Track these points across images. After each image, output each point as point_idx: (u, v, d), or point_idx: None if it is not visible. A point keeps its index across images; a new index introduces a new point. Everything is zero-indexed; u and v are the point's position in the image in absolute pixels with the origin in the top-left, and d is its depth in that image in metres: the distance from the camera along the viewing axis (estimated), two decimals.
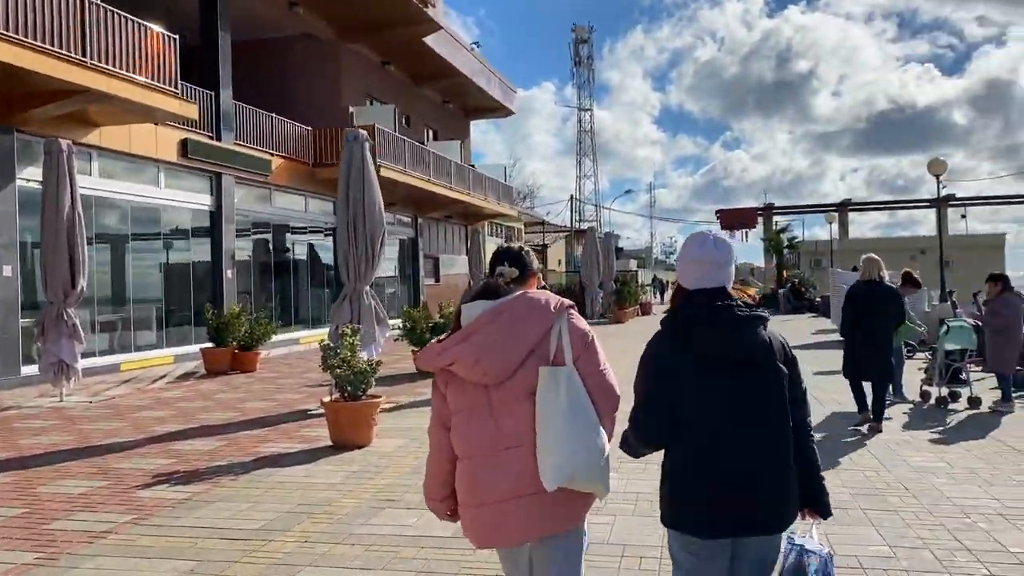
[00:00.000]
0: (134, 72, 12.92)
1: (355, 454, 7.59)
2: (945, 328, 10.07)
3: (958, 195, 59.17)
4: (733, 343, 2.53)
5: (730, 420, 2.52)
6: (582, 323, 2.78)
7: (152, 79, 13.30)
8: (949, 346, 9.98)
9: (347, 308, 10.06)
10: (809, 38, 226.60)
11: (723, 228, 66.80)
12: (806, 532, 2.81)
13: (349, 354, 7.84)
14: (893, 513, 5.47)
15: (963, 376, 10.00)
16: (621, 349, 9.96)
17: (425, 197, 27.32)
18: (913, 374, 12.06)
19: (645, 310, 34.87)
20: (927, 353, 11.04)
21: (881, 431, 8.34)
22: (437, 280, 31.51)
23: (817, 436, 7.65)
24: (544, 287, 10.93)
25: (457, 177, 29.06)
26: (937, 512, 5.50)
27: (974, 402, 9.75)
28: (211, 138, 17.93)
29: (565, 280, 40.77)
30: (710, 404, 2.53)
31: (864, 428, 8.44)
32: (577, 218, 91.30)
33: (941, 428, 8.57)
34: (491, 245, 37.37)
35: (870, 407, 8.46)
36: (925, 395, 10.30)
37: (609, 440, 2.76)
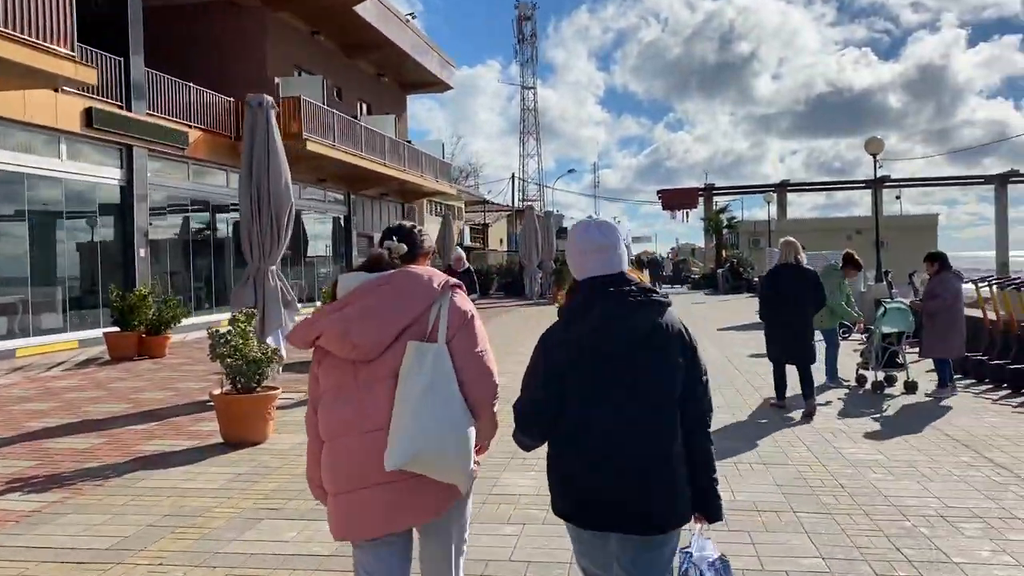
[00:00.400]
0: (23, 32, 11.77)
1: (247, 453, 6.85)
2: (882, 310, 9.71)
3: (893, 176, 60.17)
4: (624, 330, 2.41)
5: (617, 411, 2.41)
6: (466, 303, 2.67)
7: (42, 39, 12.16)
8: (886, 329, 9.62)
9: (250, 290, 9.26)
10: (751, 20, 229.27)
11: (664, 208, 67.05)
12: (701, 539, 2.63)
13: (241, 341, 7.08)
14: (827, 516, 4.98)
15: (900, 360, 9.65)
16: None
17: (357, 173, 26.36)
18: (849, 356, 11.76)
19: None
20: (863, 336, 10.70)
21: (815, 412, 8.07)
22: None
23: (749, 425, 7.14)
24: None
25: (391, 153, 28.12)
26: (875, 514, 5.02)
27: (910, 387, 9.42)
28: (120, 107, 16.74)
29: (505, 260, 40.10)
30: (598, 394, 2.42)
31: (797, 416, 8.04)
32: (520, 197, 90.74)
33: (878, 415, 8.18)
34: (431, 224, 36.59)
35: (801, 391, 8.23)
36: (861, 379, 9.95)
37: (492, 432, 2.68)
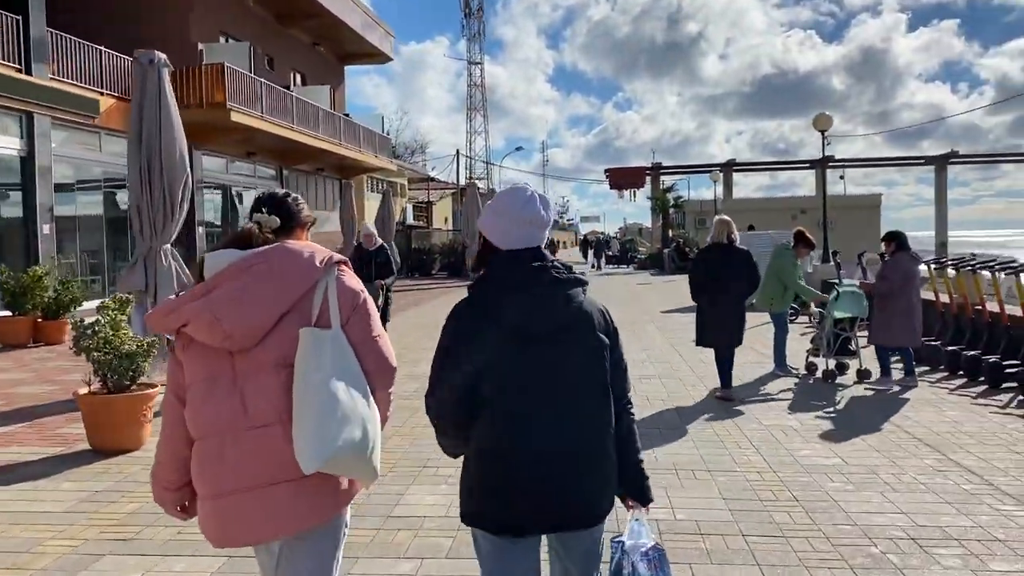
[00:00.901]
0: None
1: (115, 463, 5.88)
2: (835, 294, 9.06)
3: (837, 157, 60.59)
4: (547, 310, 2.24)
5: (541, 398, 2.23)
6: (354, 282, 2.41)
7: None
8: (838, 313, 8.99)
9: (140, 273, 8.22)
10: (699, 0, 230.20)
11: (612, 187, 66.63)
12: (637, 524, 2.39)
13: (111, 332, 6.08)
14: (782, 541, 4.24)
15: (852, 347, 9.04)
16: None
17: (290, 147, 25.12)
18: (797, 342, 11.17)
19: None
20: (814, 320, 10.08)
21: (731, 399, 7.83)
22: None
23: (693, 421, 6.37)
24: (383, 247, 8.79)
25: (326, 126, 26.87)
26: (837, 537, 4.30)
27: (863, 375, 8.82)
28: (19, 70, 15.33)
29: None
30: (518, 380, 2.23)
31: (744, 409, 7.36)
32: (467, 175, 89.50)
33: (831, 409, 7.53)
34: (370, 202, 35.40)
35: (718, 371, 8.08)
36: (811, 367, 9.33)
37: (384, 421, 2.41)
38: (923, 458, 5.79)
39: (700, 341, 8.20)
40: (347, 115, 31.96)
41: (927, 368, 9.60)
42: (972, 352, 9.16)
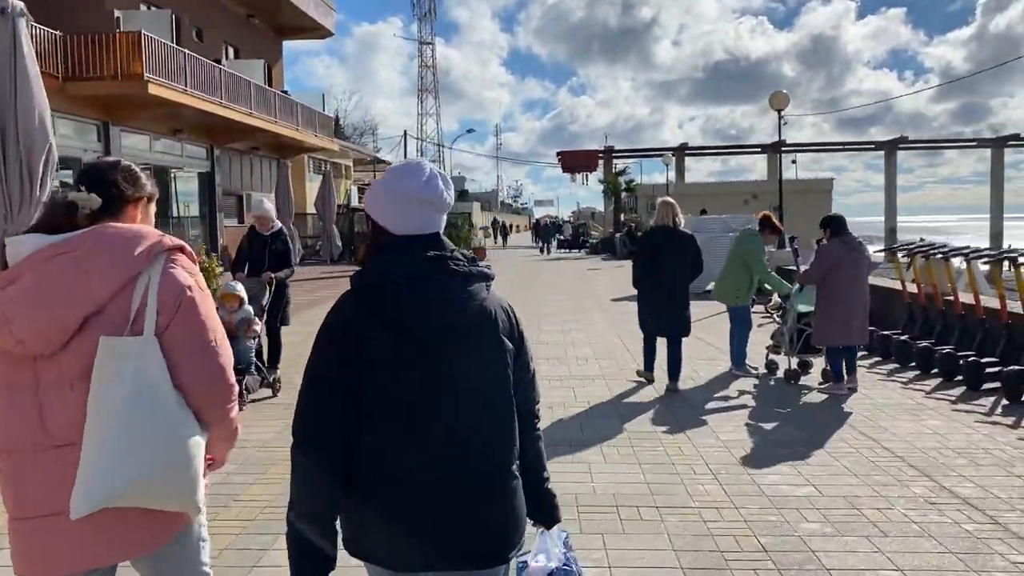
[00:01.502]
0: None
1: None
2: (798, 286, 8.13)
3: (788, 142, 60.45)
4: (442, 308, 1.89)
5: (432, 413, 1.88)
6: (184, 276, 2.05)
7: None
8: (802, 307, 8.07)
9: None
10: None
11: (564, 171, 65.79)
12: (546, 540, 2.10)
13: None
14: None
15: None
16: None
17: (220, 124, 23.59)
18: (755, 334, 10.26)
19: (479, 255, 32.49)
20: (775, 314, 9.17)
21: (677, 391, 7.51)
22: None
23: (639, 432, 5.03)
24: (282, 231, 7.17)
25: (259, 102, 25.33)
26: None
27: (827, 374, 7.92)
28: None
29: None
30: (405, 392, 1.87)
31: (694, 418, 6.40)
32: (416, 157, 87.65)
33: (796, 419, 6.59)
34: (312, 184, 33.89)
35: (667, 369, 7.67)
36: (771, 366, 8.42)
37: (230, 442, 2.18)
38: (910, 485, 4.86)
39: (644, 328, 7.91)
40: (285, 92, 30.44)
41: (896, 366, 8.75)
42: (946, 349, 8.33)
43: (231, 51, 28.39)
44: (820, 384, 7.77)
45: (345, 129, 73.63)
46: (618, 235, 36.95)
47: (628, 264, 29.21)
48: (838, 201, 51.09)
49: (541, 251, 41.73)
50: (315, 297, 16.94)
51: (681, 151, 60.98)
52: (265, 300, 7.60)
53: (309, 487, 1.90)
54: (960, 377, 7.80)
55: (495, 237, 51.71)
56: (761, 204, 45.36)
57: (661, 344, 7.82)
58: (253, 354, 7.25)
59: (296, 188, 32.96)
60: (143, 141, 21.78)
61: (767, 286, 8.63)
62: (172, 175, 23.21)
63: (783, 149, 63.39)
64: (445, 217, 2.06)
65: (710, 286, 18.41)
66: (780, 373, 8.23)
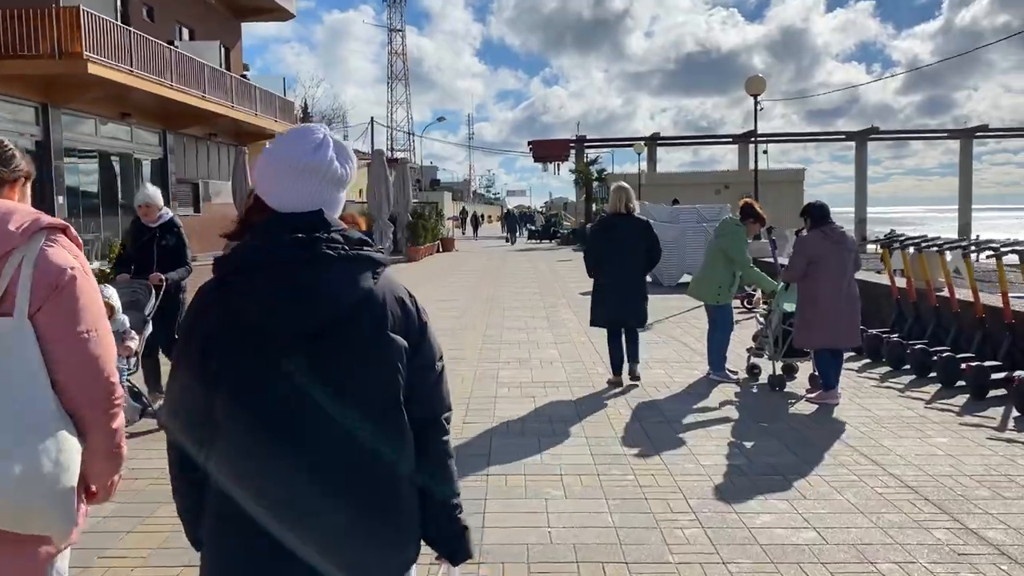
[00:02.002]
0: None
1: None
2: (783, 283, 7.33)
3: (760, 132, 59.97)
4: (309, 301, 1.56)
5: (293, 432, 1.57)
6: (64, 257, 1.85)
7: None
8: (788, 307, 7.28)
9: None
10: None
11: (536, 160, 64.89)
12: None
13: None
14: None
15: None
16: None
17: (172, 108, 22.41)
18: (735, 332, 9.48)
19: (446, 246, 31.63)
20: (758, 313, 8.39)
21: (639, 377, 7.39)
22: (197, 210, 26.69)
23: (606, 452, 4.16)
24: (172, 221, 5.93)
25: (215, 85, 24.16)
26: None
27: (815, 380, 7.14)
28: None
29: (359, 211, 36.61)
30: (260, 404, 1.58)
31: (670, 434, 5.60)
32: (388, 147, 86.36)
33: (783, 433, 5.79)
34: None
35: (626, 351, 7.44)
36: (753, 371, 7.63)
37: (114, 464, 1.91)
38: (929, 527, 4.06)
39: (595, 321, 7.53)
40: (244, 76, 29.25)
41: (889, 369, 8.01)
42: (944, 351, 7.59)
43: (185, 32, 27.13)
44: (808, 392, 6.99)
45: (312, 116, 72.14)
46: (589, 225, 36.19)
47: None
48: (807, 192, 50.72)
49: (507, 241, 41.09)
50: None
51: (653, 141, 60.34)
52: (150, 308, 6.12)
53: (176, 487, 1.74)
54: (962, 383, 7.07)
55: (464, 227, 50.60)
56: (733, 194, 44.81)
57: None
58: (127, 376, 5.71)
59: (251, 177, 31.90)
60: (88, 125, 20.56)
61: (749, 284, 7.83)
62: (114, 160, 22.01)
63: (758, 138, 63.04)
64: (342, 195, 1.74)
65: (685, 278, 17.75)
66: (763, 378, 7.46)
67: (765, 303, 7.85)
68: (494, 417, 6.30)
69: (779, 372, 7.25)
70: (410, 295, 1.75)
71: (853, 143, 62.13)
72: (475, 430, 5.92)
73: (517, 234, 43.06)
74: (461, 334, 10.42)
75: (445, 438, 1.77)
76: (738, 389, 7.26)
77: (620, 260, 7.26)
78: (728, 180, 50.05)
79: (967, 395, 6.85)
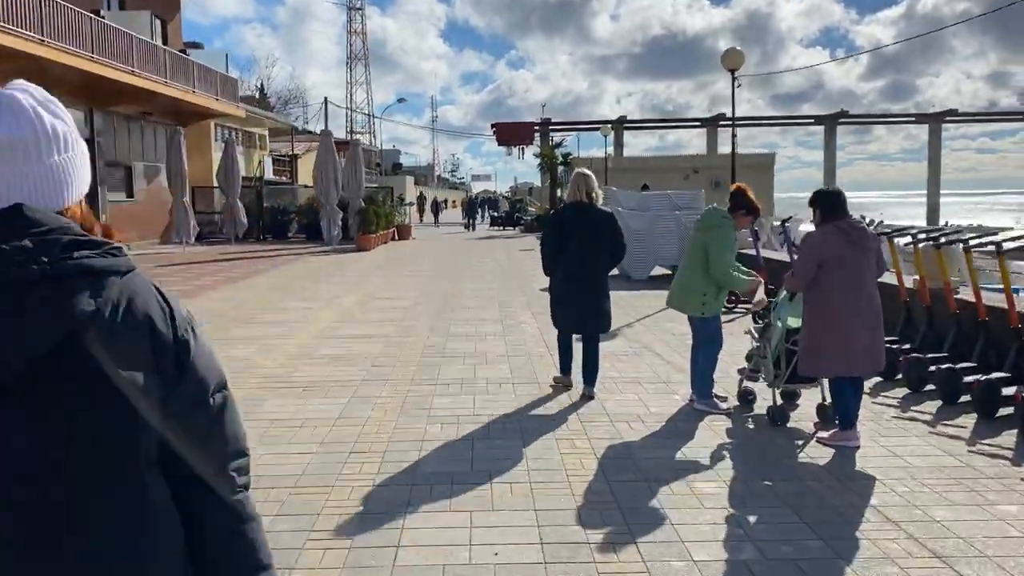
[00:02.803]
0: None
1: None
2: (786, 292, 5.85)
3: (727, 116, 58.87)
4: (16, 336, 1.10)
5: (23, 501, 1.14)
6: None
7: None
8: (793, 321, 5.82)
9: None
10: None
11: (500, 143, 63.33)
12: None
13: None
14: None
15: None
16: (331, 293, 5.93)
17: (99, 84, 20.47)
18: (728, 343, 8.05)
19: (403, 234, 29.92)
20: (752, 327, 6.94)
21: (593, 397, 6.36)
22: (130, 195, 24.75)
23: (564, 534, 3.08)
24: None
25: (146, 60, 22.23)
26: None
27: (824, 412, 5.72)
28: None
29: (309, 196, 34.73)
30: None
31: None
32: (348, 129, 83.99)
33: (794, 493, 4.34)
34: (218, 154, 30.69)
35: (583, 372, 6.54)
36: (747, 396, 6.20)
37: None
38: None
39: (556, 323, 6.76)
40: (184, 51, 27.28)
41: (908, 392, 6.62)
42: (977, 373, 6.20)
43: (115, 1, 25.08)
44: (817, 430, 5.56)
45: (270, 98, 69.69)
46: (553, 211, 34.71)
47: None
48: (777, 178, 49.76)
49: (466, 228, 39.53)
50: (195, 286, 14.21)
51: (620, 124, 59.04)
52: None
53: None
54: (1006, 411, 5.69)
55: (422, 213, 48.53)
56: (702, 178, 43.65)
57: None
58: None
59: (200, 159, 29.88)
60: None
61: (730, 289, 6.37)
62: None
63: (722, 123, 62.12)
64: (67, 177, 1.22)
65: (657, 270, 16.32)
66: (759, 406, 6.03)
67: (759, 315, 6.37)
68: (415, 474, 4.78)
69: (779, 402, 5.81)
70: (166, 304, 1.26)
71: (823, 127, 61.38)
72: (386, 497, 4.40)
73: (477, 220, 41.53)
74: (398, 345, 8.88)
75: (236, 498, 1.30)
76: (730, 424, 5.81)
77: (579, 256, 6.44)
78: (697, 164, 48.96)
79: (1015, 430, 5.47)
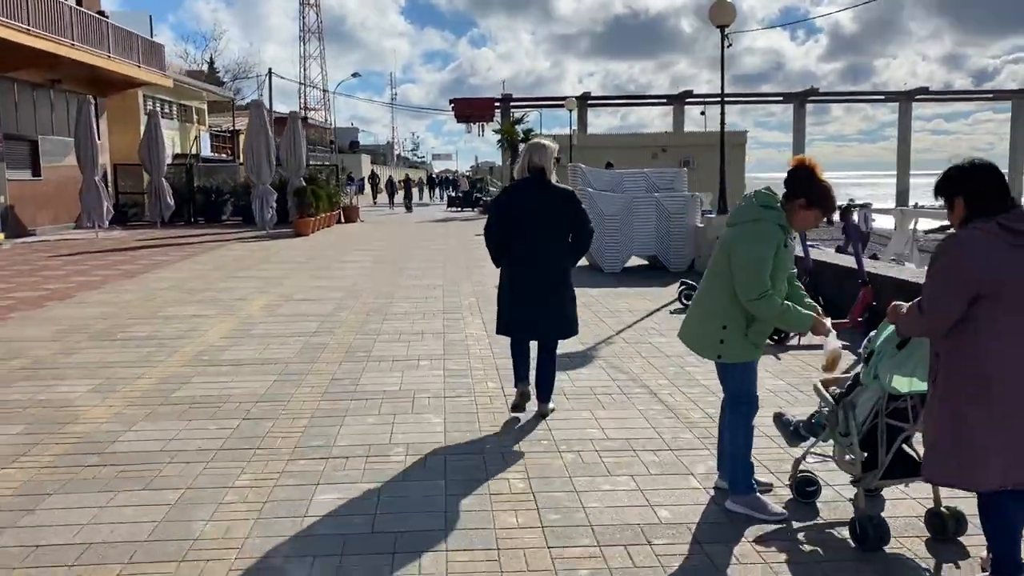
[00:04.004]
0: None
1: None
2: (889, 327, 3.56)
3: (695, 92, 57.04)
4: None
5: None
6: None
7: None
8: (899, 382, 3.51)
9: None
10: None
11: (459, 120, 60.75)
12: None
13: None
14: None
15: (912, 451, 3.72)
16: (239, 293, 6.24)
17: None
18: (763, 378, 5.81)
19: (349, 217, 27.37)
20: (817, 385, 4.67)
21: (547, 415, 5.29)
22: (36, 173, 21.91)
23: None
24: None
25: (48, 19, 19.39)
26: None
27: (941, 525, 3.52)
28: None
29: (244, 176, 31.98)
30: None
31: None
32: (301, 105, 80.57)
33: None
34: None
35: (536, 386, 5.40)
36: (807, 488, 3.97)
37: None
38: None
39: (501, 328, 5.52)
40: (102, 13, 24.38)
41: None
42: None
43: None
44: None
45: (218, 71, 66.20)
46: (501, 190, 32.40)
47: None
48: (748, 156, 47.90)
49: (407, 209, 36.84)
50: (76, 283, 11.61)
51: (584, 100, 56.84)
52: None
53: None
54: None
55: (376, 194, 45.52)
56: (670, 157, 41.53)
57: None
58: None
59: (126, 133, 27.06)
60: None
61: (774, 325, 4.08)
62: None
63: (689, 100, 60.16)
64: None
65: (634, 261, 14.06)
66: (823, 505, 3.82)
67: (834, 384, 4.04)
68: None
69: (862, 507, 3.57)
70: None
71: (790, 106, 59.76)
72: None
73: (430, 198, 38.82)
74: (297, 377, 6.55)
75: None
76: (785, 540, 3.57)
77: (529, 246, 5.33)
78: (664, 143, 46.84)
79: None
